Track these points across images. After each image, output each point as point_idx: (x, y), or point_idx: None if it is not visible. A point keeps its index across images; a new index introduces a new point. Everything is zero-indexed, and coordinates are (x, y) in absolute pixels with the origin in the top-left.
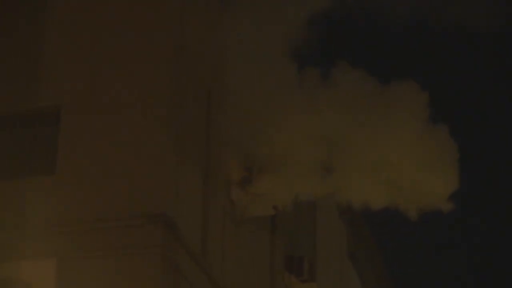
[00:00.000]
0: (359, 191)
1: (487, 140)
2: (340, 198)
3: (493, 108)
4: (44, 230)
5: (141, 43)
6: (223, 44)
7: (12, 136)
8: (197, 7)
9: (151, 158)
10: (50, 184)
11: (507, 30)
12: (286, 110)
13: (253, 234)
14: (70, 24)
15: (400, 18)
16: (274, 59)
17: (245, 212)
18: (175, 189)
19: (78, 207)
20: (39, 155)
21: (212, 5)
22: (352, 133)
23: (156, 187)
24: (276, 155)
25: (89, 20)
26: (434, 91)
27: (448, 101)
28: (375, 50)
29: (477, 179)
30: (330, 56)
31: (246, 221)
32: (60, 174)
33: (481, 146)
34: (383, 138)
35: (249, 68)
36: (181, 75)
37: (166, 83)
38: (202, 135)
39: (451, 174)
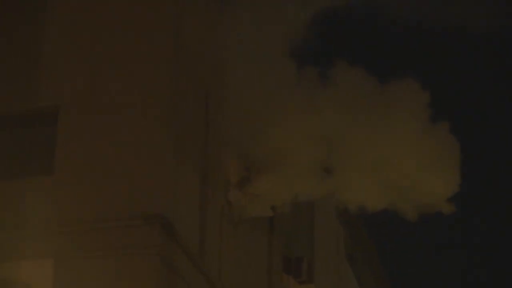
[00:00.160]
0: (358, 191)
1: (487, 140)
2: (339, 198)
3: (494, 108)
4: (43, 230)
5: (141, 43)
6: (222, 44)
7: (11, 136)
8: (197, 7)
9: (149, 159)
10: (48, 184)
11: (507, 30)
12: (285, 110)
13: (251, 235)
14: (69, 24)
15: (400, 16)
16: (273, 59)
17: (243, 213)
18: (173, 189)
19: (76, 208)
20: (38, 155)
21: (212, 5)
22: (352, 133)
23: (154, 188)
24: (274, 156)
25: (89, 20)
26: (435, 90)
27: (449, 101)
28: (375, 49)
29: (478, 179)
30: (330, 55)
31: (244, 222)
32: (58, 174)
33: (481, 146)
34: (383, 138)
35: (249, 68)
36: (180, 75)
37: (165, 84)
38: (201, 135)
39: (452, 175)
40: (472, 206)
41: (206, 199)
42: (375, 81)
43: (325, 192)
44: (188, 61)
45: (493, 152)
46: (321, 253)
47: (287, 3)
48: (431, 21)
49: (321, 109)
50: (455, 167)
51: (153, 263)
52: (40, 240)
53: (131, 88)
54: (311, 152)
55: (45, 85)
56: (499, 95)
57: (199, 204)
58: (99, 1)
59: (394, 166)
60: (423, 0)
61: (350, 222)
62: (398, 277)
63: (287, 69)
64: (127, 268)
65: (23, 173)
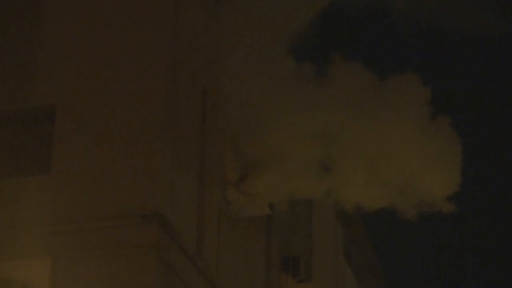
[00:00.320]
0: (357, 190)
1: (489, 137)
2: (337, 197)
3: (496, 104)
4: (40, 229)
5: (137, 41)
6: (219, 41)
7: (8, 135)
8: (194, 3)
9: (147, 157)
10: (46, 183)
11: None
12: (283, 107)
13: (249, 233)
14: (65, 23)
15: (400, 11)
16: (271, 55)
17: (241, 211)
18: (171, 188)
19: (74, 206)
20: (35, 154)
21: (209, 1)
22: (351, 130)
23: (152, 187)
24: (273, 153)
25: (85, 19)
26: (436, 86)
27: (451, 97)
28: (375, 45)
29: (479, 178)
30: (329, 51)
31: (242, 221)
32: (55, 173)
33: (483, 143)
34: (382, 135)
35: (246, 65)
36: (177, 73)
37: (162, 82)
38: (198, 134)
39: (452, 173)
40: (472, 205)
41: (204, 197)
42: (374, 77)
43: (324, 190)
44: (185, 59)
45: (495, 150)
46: (319, 252)
47: None
48: (432, 16)
49: (319, 106)
50: (456, 165)
51: (150, 262)
52: (37, 239)
53: (128, 86)
54: (310, 150)
55: (42, 84)
56: (501, 91)
57: (197, 203)
58: (93, 0)
59: (393, 163)
60: None
61: (348, 220)
62: (396, 275)
63: (285, 65)
64: (124, 267)
65: (20, 171)
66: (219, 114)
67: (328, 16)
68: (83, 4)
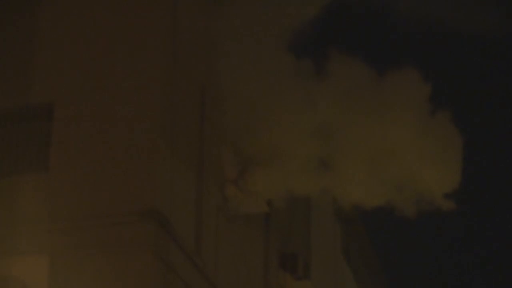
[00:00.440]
0: (356, 187)
1: (490, 133)
2: (336, 194)
3: (497, 100)
4: (38, 226)
5: (135, 40)
6: (217, 39)
7: (6, 133)
8: (191, 2)
9: (145, 155)
10: (44, 181)
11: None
12: (282, 104)
13: (247, 231)
14: (64, 20)
15: (400, 7)
16: (269, 52)
17: (239, 209)
18: (169, 186)
19: (72, 204)
20: (33, 152)
21: (206, 0)
22: (349, 127)
23: (149, 184)
24: (271, 151)
25: (84, 17)
26: (436, 82)
27: (451, 93)
28: (374, 40)
29: (479, 175)
30: (328, 47)
31: (240, 218)
32: (54, 170)
33: (484, 140)
34: (381, 132)
35: (244, 62)
36: (176, 71)
37: (161, 80)
38: (196, 131)
39: (452, 171)
40: (472, 203)
41: (202, 195)
42: (373, 73)
43: (322, 187)
44: (184, 56)
45: (495, 147)
46: (317, 249)
47: None
48: (431, 11)
49: (318, 103)
50: (456, 162)
51: (149, 259)
52: (35, 237)
53: (126, 85)
54: (308, 147)
55: (40, 82)
56: (502, 86)
57: (195, 200)
58: None
59: (392, 160)
60: None
61: (347, 218)
62: (395, 273)
63: (283, 62)
64: (122, 265)
65: (18, 169)
66: (217, 111)
67: (327, 12)
68: (81, 2)
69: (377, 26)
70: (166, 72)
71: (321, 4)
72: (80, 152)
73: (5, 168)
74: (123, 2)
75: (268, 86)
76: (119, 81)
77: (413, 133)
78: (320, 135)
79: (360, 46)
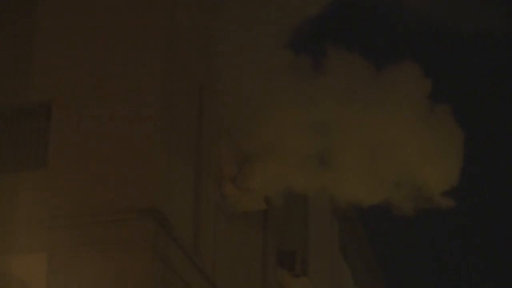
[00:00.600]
0: (354, 184)
1: (490, 130)
2: (334, 191)
3: (496, 96)
4: (36, 224)
5: (133, 38)
6: (215, 36)
7: (3, 131)
8: (190, 2)
9: (143, 153)
10: (42, 179)
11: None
12: (279, 101)
13: (245, 228)
14: (62, 19)
15: (399, 3)
16: (267, 48)
17: (237, 206)
18: (167, 183)
19: (70, 202)
20: (31, 150)
21: None
22: (347, 123)
23: (148, 182)
24: (269, 148)
25: (82, 15)
26: (436, 77)
27: (451, 88)
28: (373, 35)
29: (479, 172)
30: (326, 42)
31: (238, 216)
32: (52, 168)
33: (484, 136)
34: (379, 128)
35: (241, 59)
36: (173, 69)
37: (159, 78)
38: (195, 129)
39: (452, 167)
40: (470, 200)
41: (200, 193)
42: (372, 68)
43: (320, 183)
44: (182, 54)
45: (496, 143)
46: (315, 246)
47: None
48: (431, 6)
49: (316, 99)
50: (455, 158)
51: (147, 257)
52: (33, 234)
53: (124, 82)
54: (306, 143)
55: (39, 80)
56: (502, 82)
57: (193, 198)
58: None
59: (391, 157)
60: None
61: (345, 215)
62: (392, 270)
63: (281, 58)
64: (120, 262)
65: (16, 167)
66: (215, 109)
67: (326, 9)
68: (80, 2)
69: (375, 21)
70: (164, 71)
71: (321, 2)
72: (78, 151)
73: (3, 166)
74: (122, 2)
75: (266, 83)
76: (117, 80)
77: (412, 129)
78: (319, 131)
79: (359, 42)
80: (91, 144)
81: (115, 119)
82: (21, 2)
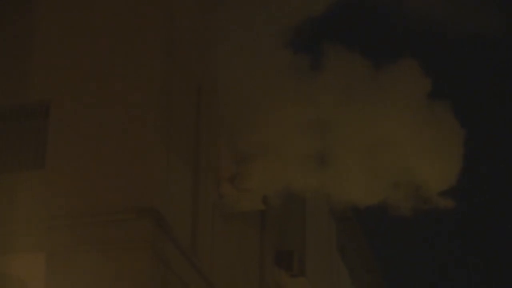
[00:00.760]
0: (352, 184)
1: (490, 129)
2: (332, 191)
3: (497, 95)
4: (34, 224)
5: (132, 37)
6: (213, 36)
7: (1, 131)
8: (187, 2)
9: (141, 153)
10: (40, 178)
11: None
12: (278, 101)
13: (243, 228)
14: (61, 19)
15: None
16: (265, 47)
17: (235, 206)
18: (165, 183)
19: (68, 202)
20: (29, 149)
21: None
22: (346, 121)
23: (146, 182)
24: (267, 147)
25: (80, 15)
26: (436, 76)
27: (452, 86)
28: (372, 34)
29: (478, 172)
30: (324, 40)
31: (236, 216)
32: (50, 168)
33: (484, 135)
34: (379, 128)
35: (240, 58)
36: (172, 69)
37: (157, 78)
38: (192, 130)
39: (451, 168)
40: (469, 201)
41: (198, 193)
42: (371, 67)
43: (318, 183)
44: (181, 54)
45: (494, 143)
46: (312, 246)
47: None
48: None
49: (314, 98)
50: (454, 158)
51: (145, 257)
52: (31, 234)
53: (122, 82)
54: (305, 143)
55: (36, 80)
56: (504, 83)
57: (191, 198)
58: None
59: (389, 156)
60: None
61: (342, 215)
62: (390, 270)
63: (280, 57)
64: (119, 262)
65: (14, 167)
66: (213, 109)
67: (326, 7)
68: (79, 2)
69: (375, 21)
70: (163, 72)
71: (320, 1)
72: (76, 151)
73: (1, 165)
74: (121, 2)
75: (265, 83)
76: (115, 80)
77: (411, 129)
78: (317, 131)
79: (358, 41)
80: (89, 144)
81: (113, 119)
82: (20, 2)
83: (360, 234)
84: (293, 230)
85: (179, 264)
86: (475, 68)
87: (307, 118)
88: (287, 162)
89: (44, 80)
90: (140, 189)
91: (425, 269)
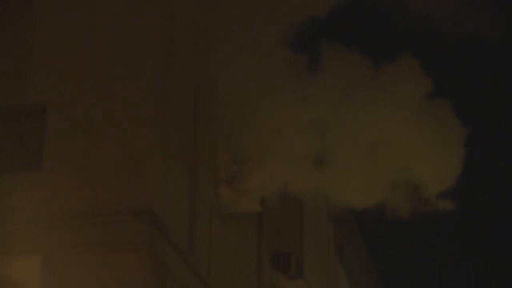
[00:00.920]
0: (350, 186)
1: (491, 129)
2: (330, 192)
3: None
4: (31, 225)
5: (131, 38)
6: (211, 36)
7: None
8: (186, 1)
9: (138, 154)
10: (37, 180)
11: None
12: (276, 100)
13: (240, 230)
14: (58, 20)
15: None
16: (263, 48)
17: (233, 208)
18: (162, 185)
19: (64, 203)
20: (26, 151)
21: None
22: (345, 123)
23: (143, 184)
24: (265, 147)
25: (78, 17)
26: (436, 75)
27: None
28: (371, 33)
29: (478, 173)
30: (323, 41)
31: (233, 218)
32: (47, 169)
33: (484, 136)
34: (379, 128)
35: (239, 59)
36: (168, 71)
37: (154, 80)
38: (190, 131)
39: (450, 169)
40: (467, 202)
41: (196, 194)
42: (370, 67)
43: (316, 185)
44: (180, 55)
45: (496, 143)
46: (310, 248)
47: None
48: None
49: (313, 99)
50: (453, 160)
51: (142, 259)
52: (29, 236)
53: (119, 84)
54: (303, 143)
55: (34, 81)
56: (504, 83)
57: (189, 200)
58: None
59: (387, 157)
60: None
61: (340, 217)
62: (388, 272)
63: (278, 57)
64: (116, 264)
65: (11, 168)
66: (211, 111)
67: (326, 7)
68: (76, 3)
69: (375, 20)
70: (162, 72)
71: (320, 1)
72: (73, 152)
73: None
74: (120, 2)
75: (264, 83)
76: (112, 81)
77: (411, 129)
78: (316, 132)
79: (358, 41)
80: (86, 146)
81: (110, 120)
82: (18, 2)
83: (358, 236)
84: (291, 232)
85: (176, 266)
86: (475, 68)
87: (307, 118)
88: (285, 163)
89: (41, 81)
90: (137, 191)
91: (423, 270)
